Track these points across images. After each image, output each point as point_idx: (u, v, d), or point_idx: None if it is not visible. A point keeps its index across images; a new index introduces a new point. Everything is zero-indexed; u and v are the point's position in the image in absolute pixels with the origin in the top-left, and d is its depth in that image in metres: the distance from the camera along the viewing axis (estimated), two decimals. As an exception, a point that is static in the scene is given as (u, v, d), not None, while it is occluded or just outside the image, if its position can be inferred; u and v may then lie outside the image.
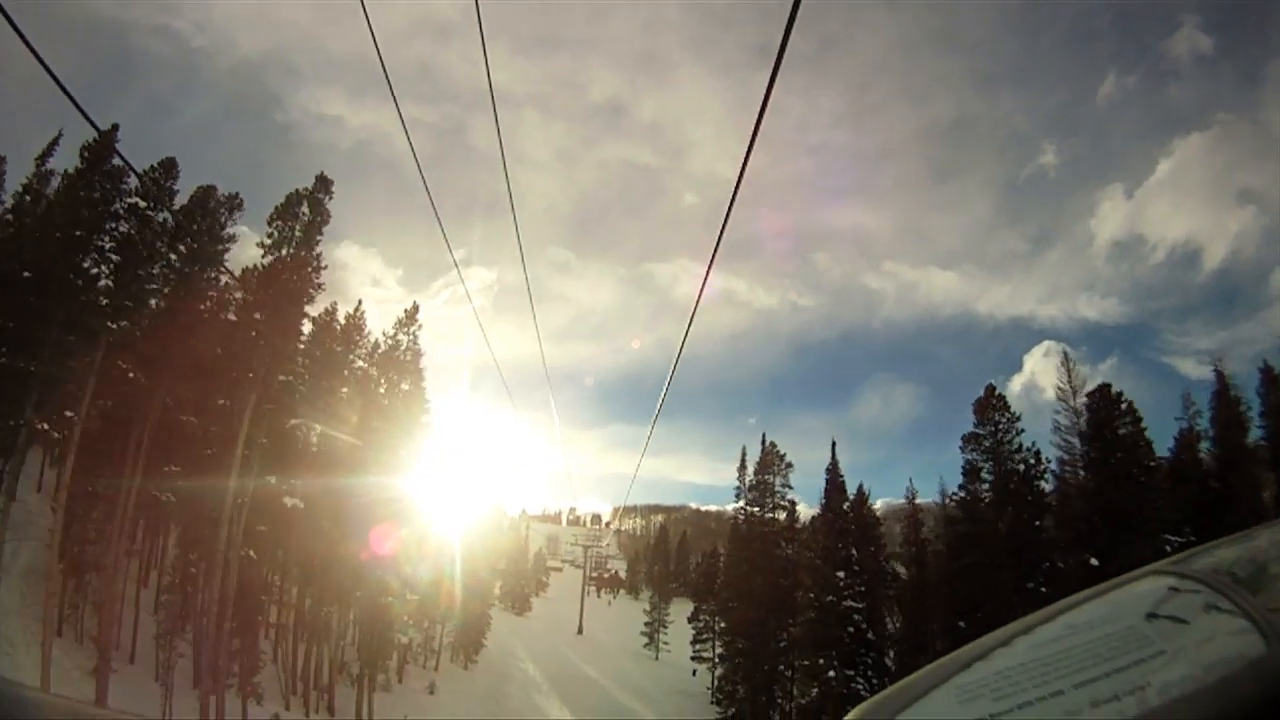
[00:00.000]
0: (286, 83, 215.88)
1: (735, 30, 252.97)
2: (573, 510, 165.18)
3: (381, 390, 35.41)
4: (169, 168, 31.67)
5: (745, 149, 3.50)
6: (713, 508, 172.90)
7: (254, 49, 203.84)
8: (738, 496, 47.59)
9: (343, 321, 35.69)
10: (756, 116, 3.31)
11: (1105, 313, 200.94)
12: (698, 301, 5.00)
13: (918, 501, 45.28)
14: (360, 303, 38.27)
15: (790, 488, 47.02)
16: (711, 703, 49.34)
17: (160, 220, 28.99)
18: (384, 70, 5.38)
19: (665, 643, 70.91)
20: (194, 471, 26.95)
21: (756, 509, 46.15)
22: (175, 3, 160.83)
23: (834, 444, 46.02)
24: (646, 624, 73.36)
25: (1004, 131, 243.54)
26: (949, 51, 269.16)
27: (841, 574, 36.93)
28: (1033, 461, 35.14)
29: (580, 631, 77.68)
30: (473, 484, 53.91)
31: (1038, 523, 33.76)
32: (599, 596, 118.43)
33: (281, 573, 32.94)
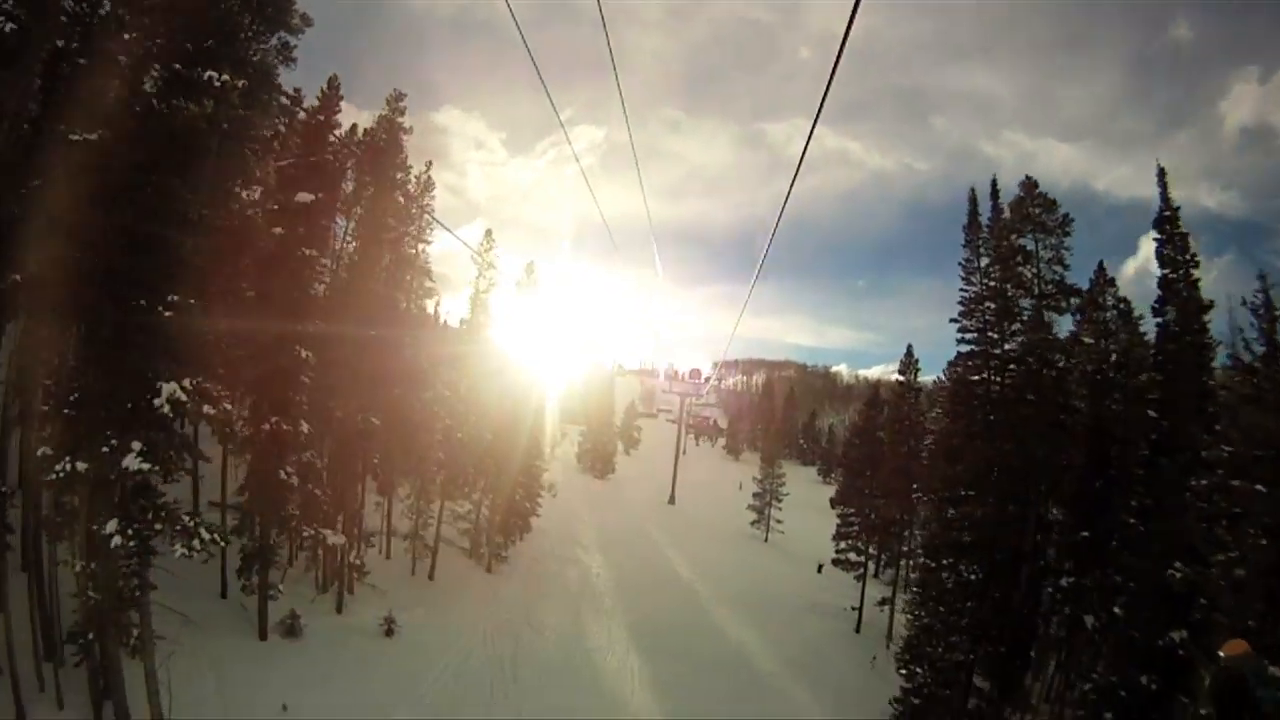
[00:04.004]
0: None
1: None
2: (671, 365, 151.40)
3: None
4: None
5: None
6: (821, 367, 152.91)
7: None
8: (965, 274, 23.85)
9: None
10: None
11: (1225, 205, 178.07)
12: (801, 158, 5.09)
13: None
14: None
15: (1065, 265, 23.19)
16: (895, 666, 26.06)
17: None
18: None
19: (778, 520, 54.51)
20: None
21: (993, 303, 22.84)
22: None
23: (1162, 171, 21.50)
24: (755, 494, 55.71)
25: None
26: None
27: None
28: None
29: (672, 501, 61.85)
30: (545, 330, 41.18)
31: None
32: (697, 444, 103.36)
33: None
